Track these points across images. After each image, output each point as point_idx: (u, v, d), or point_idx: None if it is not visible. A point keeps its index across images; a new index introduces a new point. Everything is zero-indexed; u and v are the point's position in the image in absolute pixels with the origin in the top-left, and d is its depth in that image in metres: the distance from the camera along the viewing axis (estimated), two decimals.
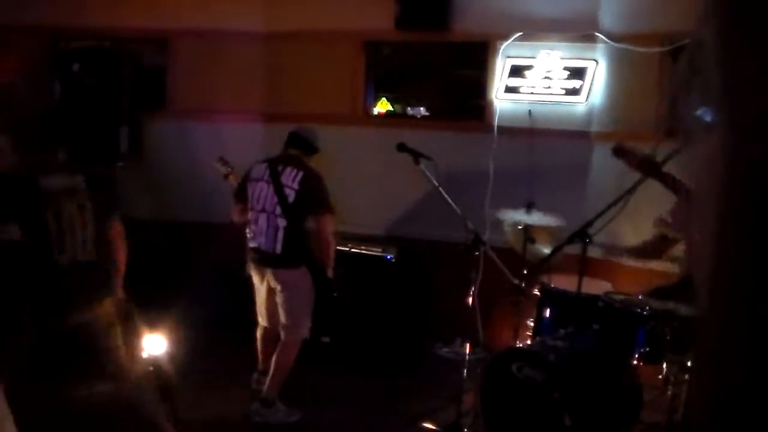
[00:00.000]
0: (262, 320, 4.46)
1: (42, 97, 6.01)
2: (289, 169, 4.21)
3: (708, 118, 0.60)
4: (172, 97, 6.11)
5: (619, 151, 3.60)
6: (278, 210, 4.16)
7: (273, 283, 4.27)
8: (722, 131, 0.52)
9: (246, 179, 4.36)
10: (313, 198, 4.17)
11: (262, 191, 4.23)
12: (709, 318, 0.53)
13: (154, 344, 4.65)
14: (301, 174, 4.18)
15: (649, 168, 3.41)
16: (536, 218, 4.36)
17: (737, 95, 0.50)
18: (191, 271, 5.19)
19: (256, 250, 4.28)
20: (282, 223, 4.15)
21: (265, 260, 4.24)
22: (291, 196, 4.15)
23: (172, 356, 4.68)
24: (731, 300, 0.50)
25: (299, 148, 4.32)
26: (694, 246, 0.57)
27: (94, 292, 3.37)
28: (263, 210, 4.21)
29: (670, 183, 3.30)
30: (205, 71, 5.99)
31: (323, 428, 4.39)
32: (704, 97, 0.56)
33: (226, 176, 4.64)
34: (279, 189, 4.16)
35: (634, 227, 4.09)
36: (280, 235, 4.16)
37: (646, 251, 4.13)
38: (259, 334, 4.51)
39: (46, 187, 3.20)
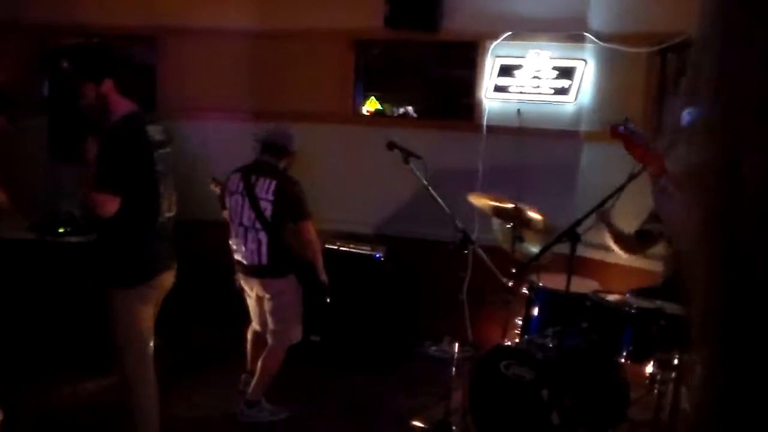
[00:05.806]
0: (254, 324, 4.45)
1: (31, 93, 6.00)
2: (262, 179, 4.13)
3: (692, 119, 0.58)
4: (162, 96, 6.09)
5: (617, 131, 3.02)
6: (257, 225, 4.11)
7: (261, 292, 4.25)
8: (712, 132, 0.50)
9: (224, 190, 4.30)
10: (291, 206, 4.12)
11: (238, 205, 4.16)
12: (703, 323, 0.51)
13: None
14: (274, 183, 4.11)
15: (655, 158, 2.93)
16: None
17: (732, 91, 0.47)
18: (182, 270, 5.17)
19: (240, 262, 4.25)
20: (263, 237, 4.10)
21: (251, 272, 4.21)
22: (268, 209, 4.09)
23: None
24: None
25: (272, 153, 4.22)
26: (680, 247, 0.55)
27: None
28: (242, 224, 4.15)
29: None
30: (195, 70, 5.97)
31: (312, 426, 4.39)
32: (691, 98, 0.54)
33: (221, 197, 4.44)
34: (254, 203, 4.10)
35: (624, 225, 4.09)
36: (264, 249, 4.11)
37: (627, 241, 4.03)
38: (250, 336, 4.50)
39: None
